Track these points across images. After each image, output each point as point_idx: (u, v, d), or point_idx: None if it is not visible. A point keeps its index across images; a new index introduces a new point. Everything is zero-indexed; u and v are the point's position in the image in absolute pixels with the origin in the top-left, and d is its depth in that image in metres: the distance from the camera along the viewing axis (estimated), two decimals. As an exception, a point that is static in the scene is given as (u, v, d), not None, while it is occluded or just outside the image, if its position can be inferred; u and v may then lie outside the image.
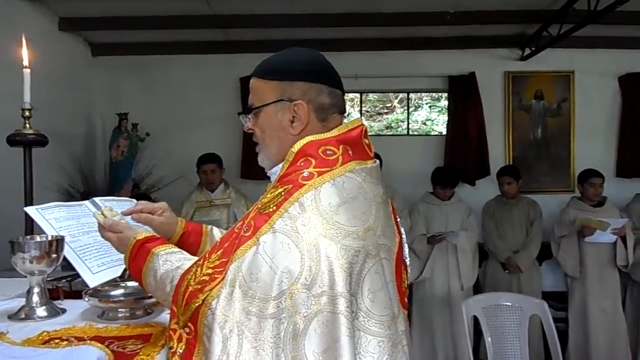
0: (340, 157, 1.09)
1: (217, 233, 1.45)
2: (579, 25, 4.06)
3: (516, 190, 4.40)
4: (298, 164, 1.09)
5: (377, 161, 1.19)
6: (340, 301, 0.96)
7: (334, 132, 1.13)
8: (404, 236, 1.20)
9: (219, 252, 1.06)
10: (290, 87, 1.13)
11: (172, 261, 1.14)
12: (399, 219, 1.26)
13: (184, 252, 1.20)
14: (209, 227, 1.47)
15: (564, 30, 4.24)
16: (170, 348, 1.06)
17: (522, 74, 5.26)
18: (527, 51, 5.05)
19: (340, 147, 1.11)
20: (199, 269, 1.05)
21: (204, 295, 1.01)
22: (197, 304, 1.01)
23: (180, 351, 1.04)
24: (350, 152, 1.11)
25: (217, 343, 0.96)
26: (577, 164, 5.15)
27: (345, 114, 1.22)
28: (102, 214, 1.30)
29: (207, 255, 1.07)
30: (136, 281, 1.24)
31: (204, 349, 1.02)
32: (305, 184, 1.03)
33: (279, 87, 1.14)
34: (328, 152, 1.09)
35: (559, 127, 5.27)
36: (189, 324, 1.03)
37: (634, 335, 4.20)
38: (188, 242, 1.38)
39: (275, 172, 1.15)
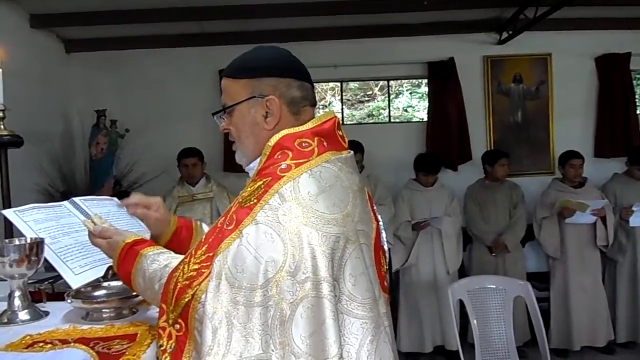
0: (316, 149, 1.12)
1: (206, 228, 1.47)
2: (555, 8, 4.09)
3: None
4: (275, 157, 1.12)
5: (352, 152, 1.22)
6: (324, 286, 0.99)
7: (309, 125, 1.15)
8: (380, 222, 1.24)
9: (204, 248, 1.08)
10: (261, 84, 1.16)
11: (159, 261, 1.17)
12: (381, 206, 1.28)
13: (172, 253, 1.23)
14: (198, 221, 1.49)
15: (540, 13, 4.26)
16: (160, 346, 1.07)
17: (501, 57, 5.29)
18: (505, 35, 5.07)
19: (315, 139, 1.14)
20: (186, 266, 1.08)
21: (193, 290, 1.03)
22: (186, 299, 1.04)
23: (170, 349, 1.06)
24: (324, 143, 1.15)
25: (207, 334, 0.99)
26: (556, 145, 5.21)
27: (318, 106, 1.24)
28: (92, 221, 1.33)
29: (193, 252, 1.09)
30: (125, 283, 1.26)
31: (194, 344, 1.04)
32: (283, 176, 1.06)
33: (249, 84, 1.17)
34: (304, 144, 1.12)
35: (538, 110, 5.33)
36: (180, 321, 1.05)
37: (612, 311, 4.30)
38: (181, 237, 1.40)
39: (253, 168, 1.18)
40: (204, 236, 1.14)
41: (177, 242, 1.39)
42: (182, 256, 1.15)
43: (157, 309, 1.12)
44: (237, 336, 0.98)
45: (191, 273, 1.05)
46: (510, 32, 4.94)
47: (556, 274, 4.29)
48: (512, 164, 4.85)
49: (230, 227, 1.05)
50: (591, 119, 5.32)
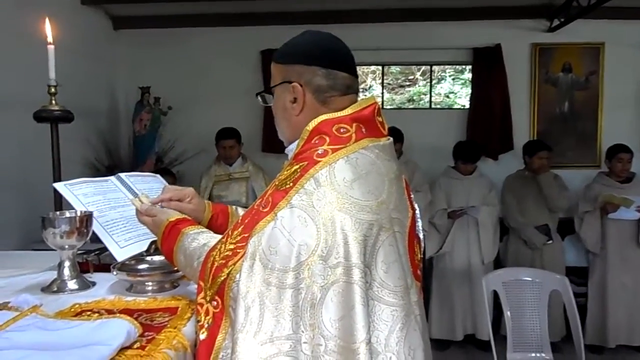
0: (354, 135, 1.13)
1: (241, 212, 1.49)
2: (609, -5, 3.93)
3: (549, 165, 4.32)
4: (313, 141, 1.13)
5: (391, 139, 1.22)
6: (355, 272, 1.01)
7: (348, 111, 1.15)
8: (417, 211, 1.24)
9: (240, 229, 1.11)
10: (290, 70, 1.19)
11: (199, 240, 1.21)
12: (418, 193, 1.28)
13: (212, 232, 1.27)
14: (234, 207, 1.51)
15: (594, 1, 4.10)
16: (198, 321, 1.12)
17: (550, 45, 5.11)
18: (556, 22, 4.89)
19: (354, 125, 1.14)
20: (222, 246, 1.11)
21: (229, 269, 1.07)
22: (222, 278, 1.07)
23: (207, 324, 1.10)
24: (363, 129, 1.15)
25: (240, 313, 1.02)
26: (604, 138, 5.03)
27: (362, 93, 1.24)
28: (140, 199, 1.40)
29: (230, 232, 1.13)
30: (168, 260, 1.31)
31: (230, 321, 1.07)
32: (320, 161, 1.07)
33: (284, 70, 1.20)
34: (342, 130, 1.13)
35: (586, 101, 5.14)
36: (217, 297, 1.09)
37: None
38: (217, 224, 1.42)
39: (291, 150, 1.19)
40: (240, 217, 1.17)
41: (215, 229, 1.41)
42: (221, 236, 1.18)
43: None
44: (269, 316, 1.00)
45: (227, 252, 1.09)
46: (562, 20, 4.76)
47: (595, 270, 4.19)
48: (557, 155, 4.72)
49: (265, 210, 1.07)
50: (642, 112, 5.11)
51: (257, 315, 1.01)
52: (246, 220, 1.11)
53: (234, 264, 1.06)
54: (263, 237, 1.04)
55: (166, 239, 1.27)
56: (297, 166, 1.09)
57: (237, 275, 1.04)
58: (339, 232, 1.01)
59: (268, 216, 1.05)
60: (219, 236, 1.19)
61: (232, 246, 1.09)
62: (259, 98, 1.29)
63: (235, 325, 1.02)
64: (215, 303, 1.09)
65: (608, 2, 4.01)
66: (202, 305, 1.11)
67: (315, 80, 1.16)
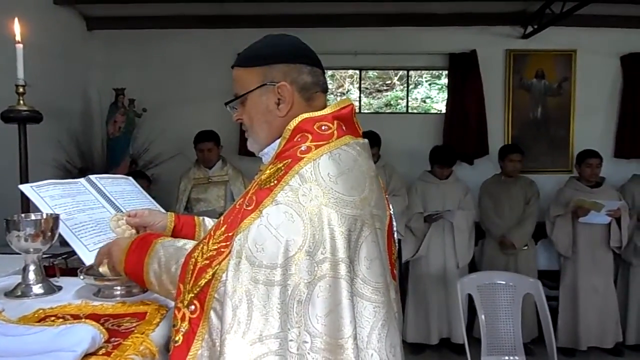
0: (335, 132, 1.14)
1: (210, 222, 1.48)
2: (582, 3, 4.01)
3: (521, 168, 4.41)
4: (295, 139, 1.13)
5: (367, 140, 1.23)
6: (341, 266, 1.01)
7: (327, 110, 1.17)
8: (392, 211, 1.25)
9: (223, 228, 1.09)
10: (272, 71, 1.17)
11: (175, 245, 1.18)
12: (395, 197, 1.30)
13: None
14: (201, 217, 1.49)
15: (566, 8, 4.18)
16: (174, 326, 1.09)
17: (524, 52, 5.20)
18: (529, 29, 4.98)
19: (335, 122, 1.15)
20: (205, 246, 1.09)
21: (214, 270, 1.04)
22: (207, 279, 1.05)
23: (183, 330, 1.07)
24: (343, 127, 1.17)
25: (228, 313, 1.00)
26: (576, 144, 5.13)
27: (336, 94, 1.25)
28: (117, 218, 1.40)
29: (211, 233, 1.10)
30: (131, 274, 1.23)
31: (208, 328, 1.04)
32: (303, 157, 1.08)
33: (260, 72, 1.18)
34: (323, 127, 1.14)
35: (559, 107, 5.24)
36: (195, 302, 1.06)
37: (623, 313, 4.26)
38: (180, 235, 1.39)
39: (267, 153, 1.19)
40: (222, 217, 1.14)
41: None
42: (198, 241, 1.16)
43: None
44: (257, 315, 0.98)
45: (211, 253, 1.06)
46: (535, 27, 4.85)
47: (567, 273, 4.26)
48: (530, 160, 4.80)
49: (250, 208, 1.06)
50: (613, 118, 5.22)
51: (245, 314, 0.99)
52: (229, 220, 1.09)
53: (219, 264, 1.04)
54: (249, 234, 1.02)
55: (134, 251, 1.21)
56: (281, 164, 1.08)
57: (224, 275, 1.02)
58: (326, 227, 1.01)
59: (253, 214, 1.04)
60: (195, 242, 1.17)
61: (215, 246, 1.06)
62: (229, 108, 1.25)
63: (222, 326, 1.00)
64: (192, 308, 1.06)
65: (580, 10, 4.10)
66: (179, 309, 1.08)
67: (301, 77, 1.16)
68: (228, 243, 1.05)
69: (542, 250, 4.71)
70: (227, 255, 1.03)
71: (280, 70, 1.16)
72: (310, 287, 0.99)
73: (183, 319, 1.07)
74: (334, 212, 1.02)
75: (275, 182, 1.06)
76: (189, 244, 1.15)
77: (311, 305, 0.99)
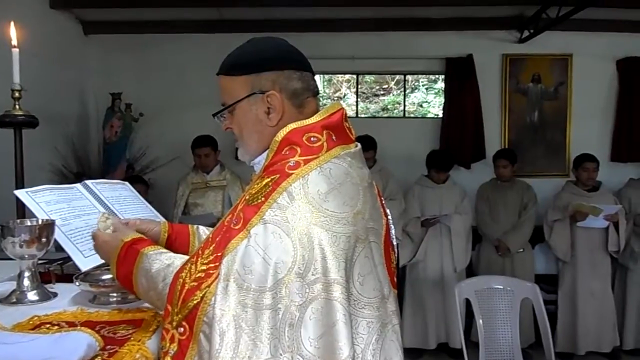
0: (325, 144, 1.09)
1: (204, 231, 1.43)
2: (578, 8, 4.02)
3: (511, 173, 4.42)
4: (283, 152, 1.08)
5: (359, 145, 1.17)
6: (335, 288, 0.96)
7: (316, 118, 1.12)
8: (389, 217, 1.21)
9: (211, 247, 1.05)
10: (260, 79, 1.12)
11: (162, 260, 1.13)
12: (392, 201, 1.26)
13: (172, 253, 1.19)
14: (195, 226, 1.44)
15: (562, 13, 4.20)
16: (162, 348, 1.05)
17: (520, 56, 5.22)
18: (526, 33, 5.00)
19: (324, 132, 1.10)
20: (193, 266, 1.04)
21: (202, 292, 1.00)
22: (195, 301, 1.00)
23: (172, 352, 1.03)
24: (333, 137, 1.11)
25: (215, 338, 0.96)
26: (572, 148, 5.15)
27: (332, 98, 1.21)
28: (106, 217, 1.31)
29: (199, 252, 1.06)
30: (124, 285, 1.20)
31: (197, 349, 1.01)
32: (292, 173, 1.03)
33: (248, 80, 1.13)
34: (312, 139, 1.08)
35: (555, 111, 5.26)
36: (184, 324, 1.02)
37: (621, 317, 4.26)
38: (175, 245, 1.35)
39: (258, 162, 1.15)
40: (210, 235, 1.10)
41: (174, 249, 1.31)
42: (184, 256, 1.13)
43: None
44: (245, 340, 0.95)
45: (199, 274, 1.02)
46: (532, 31, 4.87)
47: (565, 278, 4.26)
48: (527, 164, 4.80)
49: (237, 227, 1.02)
50: (609, 122, 5.24)
51: (232, 339, 0.95)
52: (217, 239, 1.05)
53: (208, 287, 0.99)
54: (237, 256, 0.98)
55: (122, 262, 1.17)
56: (268, 179, 1.04)
57: (213, 299, 0.98)
58: (316, 247, 0.96)
59: (241, 234, 1.00)
60: (182, 256, 1.13)
61: (204, 267, 1.02)
62: (217, 118, 1.20)
63: (210, 351, 0.97)
64: (182, 330, 1.02)
65: (576, 14, 4.12)
66: (167, 331, 1.04)
67: (291, 84, 1.12)
68: (217, 264, 1.01)
69: (539, 254, 4.71)
70: (215, 278, 0.99)
71: (268, 78, 1.11)
72: (302, 310, 0.94)
73: (172, 340, 1.03)
74: (324, 231, 0.98)
75: (263, 199, 1.02)
76: (177, 261, 1.10)
77: (303, 327, 0.94)
